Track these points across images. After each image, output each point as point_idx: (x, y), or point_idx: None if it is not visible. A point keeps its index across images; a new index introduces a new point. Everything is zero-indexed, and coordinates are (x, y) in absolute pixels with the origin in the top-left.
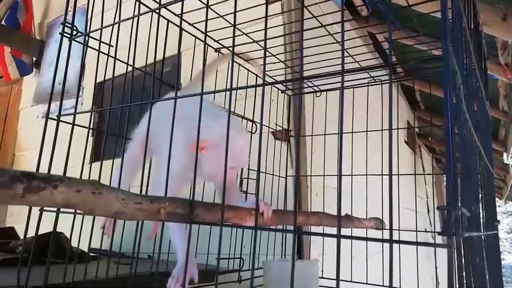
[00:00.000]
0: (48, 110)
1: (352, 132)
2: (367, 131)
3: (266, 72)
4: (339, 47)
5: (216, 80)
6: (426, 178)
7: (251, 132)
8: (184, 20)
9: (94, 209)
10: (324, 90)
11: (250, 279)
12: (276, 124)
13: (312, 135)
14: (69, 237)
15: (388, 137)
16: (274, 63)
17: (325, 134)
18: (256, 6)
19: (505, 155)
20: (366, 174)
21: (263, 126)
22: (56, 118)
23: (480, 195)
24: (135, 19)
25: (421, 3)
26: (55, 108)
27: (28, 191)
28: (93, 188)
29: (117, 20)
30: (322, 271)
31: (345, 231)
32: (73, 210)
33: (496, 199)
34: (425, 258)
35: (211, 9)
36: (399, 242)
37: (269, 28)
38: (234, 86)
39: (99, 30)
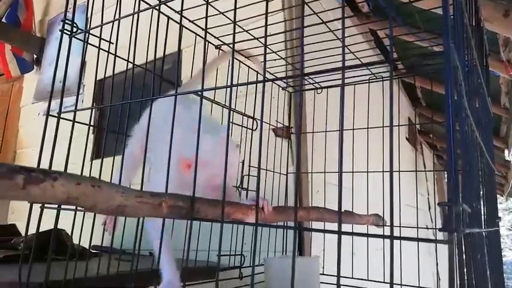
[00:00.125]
0: (49, 108)
1: (353, 129)
2: (368, 128)
3: (267, 69)
4: (339, 44)
5: (217, 77)
6: (427, 175)
7: (252, 129)
8: (185, 17)
9: (96, 204)
10: (325, 87)
11: (251, 275)
12: (276, 121)
13: (312, 132)
14: (70, 234)
15: (389, 133)
16: (275, 60)
17: (326, 131)
18: (257, 2)
19: (506, 151)
20: (367, 171)
21: (264, 123)
22: (57, 115)
23: (481, 192)
24: (135, 16)
25: None
26: (56, 106)
27: (28, 182)
28: (92, 182)
29: (117, 17)
30: (323, 268)
31: (345, 228)
32: (74, 207)
33: (497, 196)
34: (427, 255)
35: (212, 6)
36: (400, 238)
37: (269, 25)
38: (235, 83)
39: (100, 28)
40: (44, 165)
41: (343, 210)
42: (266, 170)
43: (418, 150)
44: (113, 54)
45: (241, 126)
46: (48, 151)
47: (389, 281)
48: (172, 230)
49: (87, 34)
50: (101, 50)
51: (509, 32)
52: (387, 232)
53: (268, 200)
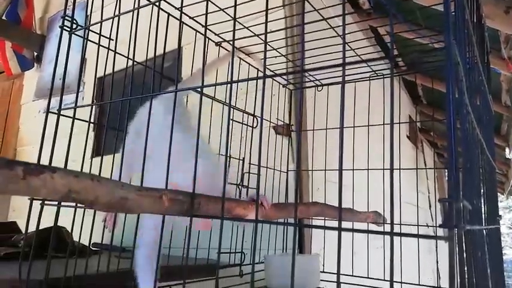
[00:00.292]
0: (49, 105)
1: (354, 127)
2: (368, 126)
3: (267, 66)
4: (340, 41)
5: (217, 75)
6: (428, 173)
7: (252, 127)
8: (185, 13)
9: (98, 198)
10: (325, 85)
11: (251, 273)
12: (277, 119)
13: (313, 130)
14: (70, 232)
15: (390, 131)
16: (275, 57)
17: (326, 129)
18: None
19: (507, 149)
20: (368, 169)
21: (264, 121)
22: (57, 112)
23: (482, 190)
24: (135, 13)
25: None
26: (56, 104)
27: (28, 173)
28: (91, 176)
29: (116, 13)
30: (324, 265)
31: (345, 226)
32: (74, 204)
33: (498, 194)
34: (427, 253)
35: (212, 3)
36: (400, 234)
37: (270, 21)
38: (235, 80)
39: (99, 24)
40: (44, 162)
41: (343, 207)
42: (266, 167)
43: (419, 148)
44: (112, 50)
45: (242, 123)
46: (48, 148)
47: (389, 279)
48: (172, 231)
49: (86, 31)
50: (101, 47)
51: (511, 29)
52: (387, 230)
53: (267, 196)
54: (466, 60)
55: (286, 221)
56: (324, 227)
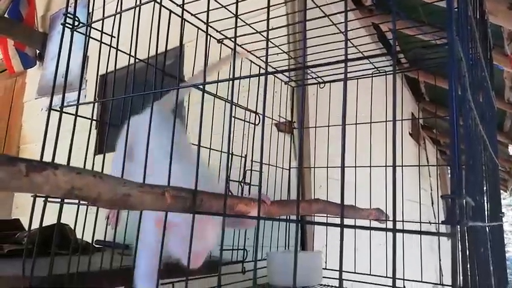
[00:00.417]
0: (51, 102)
1: (356, 124)
2: (371, 123)
3: (269, 64)
4: (342, 38)
5: (219, 72)
6: (430, 170)
7: (254, 124)
8: (186, 10)
9: (100, 195)
10: (327, 82)
11: (254, 270)
12: (279, 116)
13: (315, 127)
14: (73, 229)
15: (392, 127)
16: (277, 54)
17: (328, 126)
18: None
19: (510, 146)
20: (370, 166)
21: (266, 118)
22: (59, 109)
23: (485, 187)
24: (137, 9)
25: None
26: (58, 101)
27: (31, 169)
28: (93, 173)
29: (118, 10)
30: (326, 262)
31: (348, 222)
32: (77, 201)
33: (501, 191)
34: (429, 250)
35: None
36: (403, 231)
37: (272, 18)
38: (237, 77)
39: (101, 21)
40: (47, 160)
41: (345, 204)
42: (268, 164)
43: (421, 145)
44: (114, 48)
45: (244, 120)
46: (50, 146)
47: (391, 275)
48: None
49: (88, 28)
50: (102, 44)
51: None
52: (390, 227)
53: (269, 195)
54: (469, 57)
55: (288, 218)
56: (326, 224)
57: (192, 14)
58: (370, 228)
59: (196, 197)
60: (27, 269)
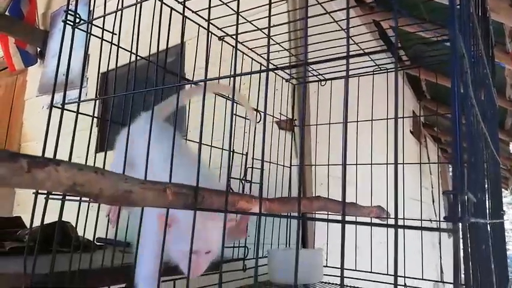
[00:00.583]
0: (52, 99)
1: (357, 121)
2: (372, 120)
3: (270, 61)
4: (343, 35)
5: (220, 70)
6: (431, 169)
7: (255, 122)
8: (188, 8)
9: (102, 191)
10: (328, 79)
11: (255, 267)
12: (280, 113)
13: (316, 125)
14: (75, 226)
15: (394, 124)
16: (278, 51)
17: (329, 123)
18: None
19: (511, 145)
20: (371, 164)
21: (267, 116)
22: (60, 107)
23: (486, 184)
24: (138, 7)
25: None
26: (59, 99)
27: (33, 165)
28: (94, 169)
29: (119, 7)
30: (327, 260)
31: (349, 220)
32: (78, 198)
33: (502, 189)
34: (430, 248)
35: None
36: (404, 227)
37: (273, 15)
38: (238, 73)
39: (102, 18)
40: (48, 157)
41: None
42: (270, 162)
43: (422, 143)
44: (116, 45)
45: (245, 118)
46: (52, 144)
47: (393, 273)
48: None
49: (89, 25)
50: (104, 42)
51: None
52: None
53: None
54: (470, 54)
55: (289, 215)
56: (327, 220)
57: (193, 11)
58: (371, 224)
59: (197, 194)
60: (28, 266)
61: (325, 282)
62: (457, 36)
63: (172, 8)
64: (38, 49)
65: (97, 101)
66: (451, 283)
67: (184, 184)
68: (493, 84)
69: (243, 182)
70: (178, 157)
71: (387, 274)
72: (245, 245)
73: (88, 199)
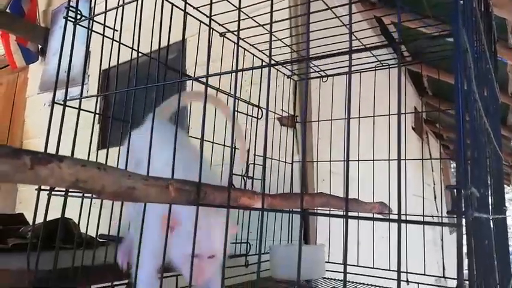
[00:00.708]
0: (54, 95)
1: (359, 118)
2: (374, 116)
3: (272, 57)
4: (345, 30)
5: (221, 67)
6: (433, 165)
7: (257, 118)
8: (189, 4)
9: (105, 187)
10: (330, 75)
11: (257, 263)
12: (282, 110)
13: (318, 121)
14: (77, 223)
15: (397, 119)
16: (279, 47)
17: (331, 120)
18: None
19: None
20: (373, 160)
21: (269, 112)
22: (62, 103)
23: (489, 180)
24: (139, 3)
25: None
26: (61, 96)
27: (36, 162)
28: (98, 165)
29: (121, 3)
30: (329, 256)
31: (351, 215)
32: (81, 194)
33: (504, 185)
34: (432, 244)
35: None
36: (406, 221)
37: (275, 11)
38: (240, 69)
39: (104, 15)
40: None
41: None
42: (271, 159)
43: (424, 139)
44: (117, 41)
45: (247, 115)
46: (54, 140)
47: (396, 269)
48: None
49: (91, 21)
50: (105, 39)
51: None
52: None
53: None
54: (473, 49)
55: (291, 210)
56: (330, 215)
57: (194, 8)
58: (374, 219)
59: (200, 190)
60: (31, 262)
61: (328, 278)
62: (460, 31)
63: (173, 5)
64: (39, 46)
65: (99, 98)
66: (453, 278)
67: (186, 180)
68: (496, 80)
69: (245, 178)
70: (189, 162)
71: (389, 270)
72: (247, 241)
73: (91, 195)
